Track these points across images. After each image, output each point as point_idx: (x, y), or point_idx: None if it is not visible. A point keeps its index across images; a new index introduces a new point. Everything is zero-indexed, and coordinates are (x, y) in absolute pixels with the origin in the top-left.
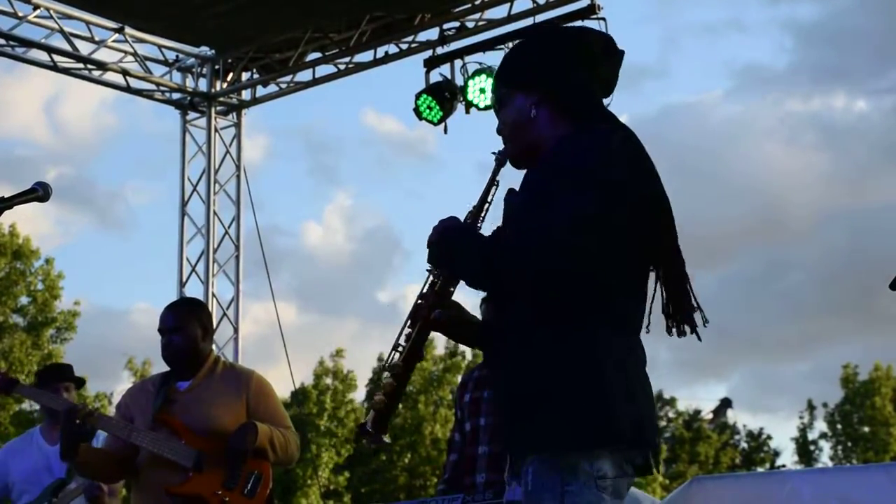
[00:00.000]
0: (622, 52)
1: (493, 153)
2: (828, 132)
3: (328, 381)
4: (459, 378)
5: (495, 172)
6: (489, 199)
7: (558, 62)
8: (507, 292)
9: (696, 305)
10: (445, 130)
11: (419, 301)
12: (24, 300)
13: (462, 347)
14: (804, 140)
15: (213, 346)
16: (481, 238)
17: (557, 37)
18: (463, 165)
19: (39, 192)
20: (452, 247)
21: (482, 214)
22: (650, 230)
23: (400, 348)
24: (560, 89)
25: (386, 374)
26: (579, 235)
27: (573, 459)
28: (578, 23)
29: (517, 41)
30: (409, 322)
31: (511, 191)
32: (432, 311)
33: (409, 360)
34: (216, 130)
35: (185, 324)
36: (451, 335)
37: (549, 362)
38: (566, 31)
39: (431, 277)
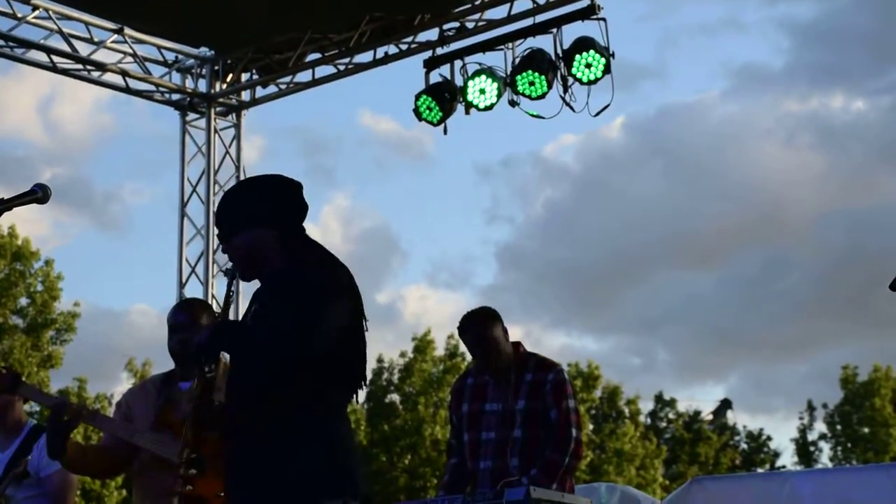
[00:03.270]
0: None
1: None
2: (825, 132)
3: None
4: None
5: (229, 285)
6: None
7: (288, 207)
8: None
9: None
10: (445, 131)
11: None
12: (23, 301)
13: (462, 348)
14: (802, 140)
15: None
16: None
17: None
18: (460, 166)
19: (38, 194)
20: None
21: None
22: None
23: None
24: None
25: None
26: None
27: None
28: (578, 23)
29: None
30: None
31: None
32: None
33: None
34: (216, 131)
35: (201, 321)
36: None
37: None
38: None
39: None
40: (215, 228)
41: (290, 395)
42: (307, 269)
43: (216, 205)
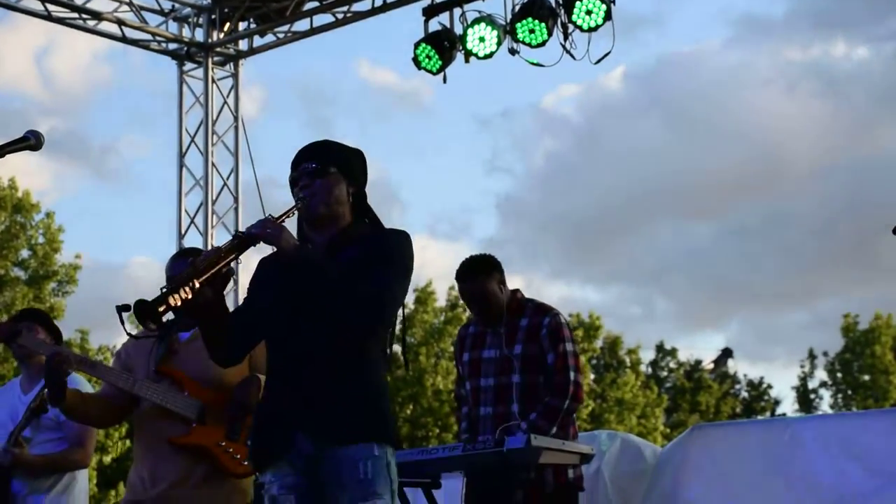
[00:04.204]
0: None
1: (300, 198)
2: (827, 80)
3: None
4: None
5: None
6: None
7: (364, 177)
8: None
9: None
10: (445, 80)
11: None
12: (24, 254)
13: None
14: (803, 89)
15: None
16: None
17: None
18: (460, 117)
19: (31, 141)
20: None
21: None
22: None
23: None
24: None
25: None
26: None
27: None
28: None
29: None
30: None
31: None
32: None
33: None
34: (213, 81)
35: None
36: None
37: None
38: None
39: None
40: (304, 164)
41: (372, 345)
42: (406, 238)
43: (214, 155)
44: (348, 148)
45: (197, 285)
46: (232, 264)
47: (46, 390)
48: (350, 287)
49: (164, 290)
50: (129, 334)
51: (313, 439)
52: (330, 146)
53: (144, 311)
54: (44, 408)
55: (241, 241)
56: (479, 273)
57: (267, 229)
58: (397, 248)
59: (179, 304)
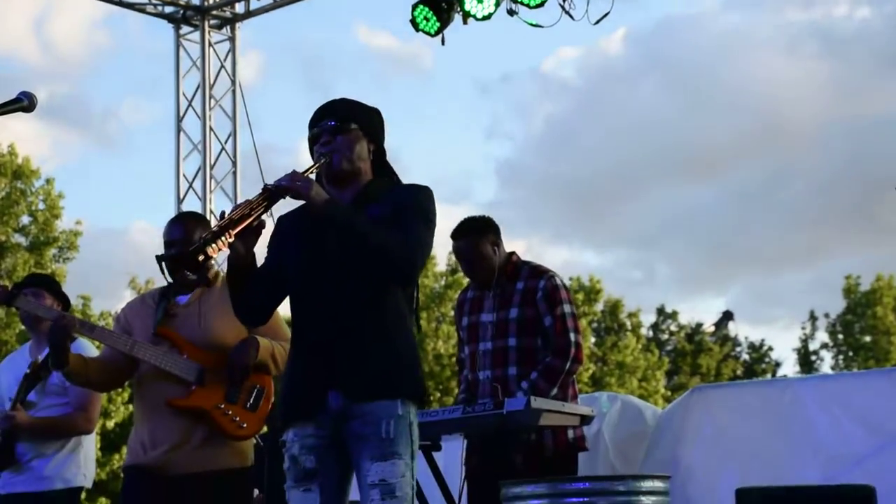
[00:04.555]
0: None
1: (322, 156)
2: (829, 40)
3: None
4: None
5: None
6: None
7: (383, 134)
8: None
9: None
10: (443, 42)
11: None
12: (25, 220)
13: None
14: (804, 49)
15: (212, 262)
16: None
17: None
18: (459, 82)
19: (24, 102)
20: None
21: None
22: None
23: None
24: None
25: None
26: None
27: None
28: None
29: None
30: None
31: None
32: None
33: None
34: (210, 45)
35: (194, 235)
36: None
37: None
38: None
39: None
40: (324, 121)
41: (402, 301)
42: (430, 193)
43: (211, 119)
44: (367, 106)
45: (231, 238)
46: (264, 217)
47: (46, 355)
48: (382, 241)
49: (203, 239)
50: (168, 282)
51: (344, 395)
52: (349, 103)
53: (183, 260)
54: (38, 374)
55: (271, 194)
56: (471, 232)
57: (297, 182)
58: (423, 203)
59: (216, 254)
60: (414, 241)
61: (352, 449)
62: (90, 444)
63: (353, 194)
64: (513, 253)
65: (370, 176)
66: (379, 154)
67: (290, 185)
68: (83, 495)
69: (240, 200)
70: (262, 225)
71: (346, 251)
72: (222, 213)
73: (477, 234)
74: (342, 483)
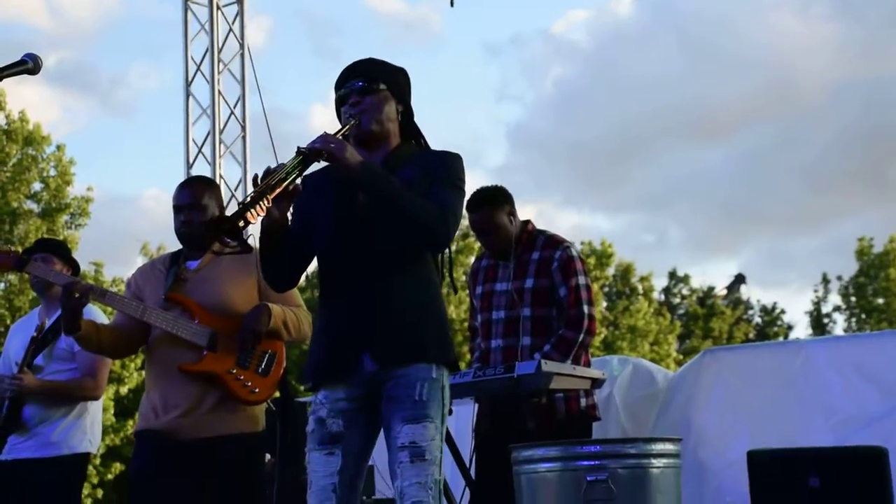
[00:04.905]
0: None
1: (350, 119)
2: (840, 1)
3: None
4: (472, 260)
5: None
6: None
7: (410, 95)
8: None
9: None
10: (452, 4)
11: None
12: (37, 186)
13: None
14: (816, 10)
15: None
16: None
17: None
18: (468, 45)
19: (29, 64)
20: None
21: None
22: None
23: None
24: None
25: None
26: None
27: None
28: None
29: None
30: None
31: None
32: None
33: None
34: (218, 8)
35: (203, 200)
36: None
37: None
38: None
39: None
40: (352, 81)
41: (432, 265)
42: (460, 159)
43: (220, 83)
44: (393, 65)
45: (269, 203)
46: (298, 181)
47: (55, 320)
48: (417, 209)
49: (242, 205)
50: (213, 252)
51: (379, 359)
52: (377, 63)
53: (223, 225)
54: (45, 338)
55: (305, 157)
56: (487, 204)
57: (330, 143)
58: (455, 168)
59: (255, 220)
60: (448, 209)
61: (385, 410)
62: (97, 411)
63: (382, 156)
64: (528, 221)
65: (398, 137)
66: (407, 115)
67: (323, 147)
68: (97, 461)
69: (249, 165)
70: (297, 189)
71: (378, 211)
72: (255, 177)
73: (492, 205)
74: (364, 450)
